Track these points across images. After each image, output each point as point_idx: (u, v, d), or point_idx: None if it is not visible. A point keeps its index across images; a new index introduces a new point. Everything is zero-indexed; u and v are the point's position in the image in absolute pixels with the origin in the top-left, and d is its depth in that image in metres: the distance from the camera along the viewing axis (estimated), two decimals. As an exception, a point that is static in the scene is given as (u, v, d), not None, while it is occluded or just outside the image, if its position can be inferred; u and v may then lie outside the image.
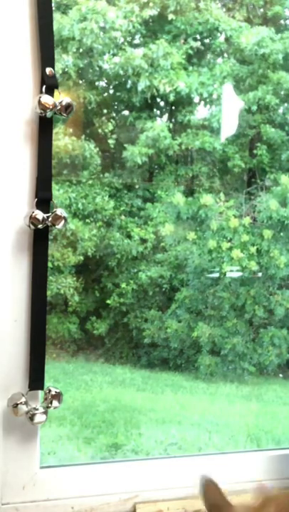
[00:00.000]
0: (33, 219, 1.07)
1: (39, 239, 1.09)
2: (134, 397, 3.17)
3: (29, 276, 1.10)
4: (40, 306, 1.10)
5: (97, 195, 3.54)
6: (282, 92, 3.62)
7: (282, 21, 3.81)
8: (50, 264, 3.30)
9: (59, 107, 1.08)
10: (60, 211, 1.10)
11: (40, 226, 1.07)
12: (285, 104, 3.74)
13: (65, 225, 1.12)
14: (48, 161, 1.11)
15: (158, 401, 3.21)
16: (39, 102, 1.06)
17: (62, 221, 1.10)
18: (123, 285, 3.55)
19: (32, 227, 1.07)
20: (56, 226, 1.09)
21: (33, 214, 1.07)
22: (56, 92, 1.08)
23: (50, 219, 1.08)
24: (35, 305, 1.10)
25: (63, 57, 3.35)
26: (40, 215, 1.07)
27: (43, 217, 1.07)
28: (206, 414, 3.02)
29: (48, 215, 1.08)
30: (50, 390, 1.11)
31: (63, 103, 1.08)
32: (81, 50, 3.42)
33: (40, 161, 1.09)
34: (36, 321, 1.10)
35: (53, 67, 1.09)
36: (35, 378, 1.10)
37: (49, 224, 1.09)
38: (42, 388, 1.10)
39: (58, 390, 1.11)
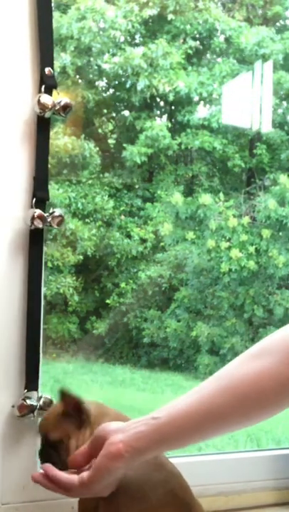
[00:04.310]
0: (37, 218, 1.06)
1: (35, 239, 1.09)
2: (134, 397, 3.17)
3: (25, 277, 1.09)
4: (36, 307, 1.10)
5: (97, 195, 3.53)
6: (281, 92, 3.63)
7: (281, 21, 3.81)
8: (49, 264, 3.30)
9: (58, 107, 1.08)
10: (58, 211, 1.10)
11: (41, 226, 1.07)
12: (285, 104, 3.74)
13: (63, 225, 1.12)
14: (45, 161, 1.10)
15: (158, 401, 3.20)
16: (38, 101, 1.06)
17: (62, 221, 1.10)
18: (123, 285, 3.55)
19: (33, 226, 1.07)
20: (55, 226, 1.09)
21: (36, 213, 1.06)
22: (55, 92, 1.08)
23: (50, 219, 1.08)
24: (31, 306, 1.09)
25: (61, 56, 3.35)
26: (42, 214, 1.07)
27: (45, 217, 1.07)
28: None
29: (47, 214, 1.09)
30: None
31: (62, 103, 1.08)
32: (80, 49, 3.42)
33: (38, 160, 1.09)
34: (31, 322, 1.09)
35: (52, 67, 1.09)
36: (31, 379, 1.10)
37: (50, 224, 1.09)
38: (37, 389, 1.10)
39: (49, 397, 1.12)
